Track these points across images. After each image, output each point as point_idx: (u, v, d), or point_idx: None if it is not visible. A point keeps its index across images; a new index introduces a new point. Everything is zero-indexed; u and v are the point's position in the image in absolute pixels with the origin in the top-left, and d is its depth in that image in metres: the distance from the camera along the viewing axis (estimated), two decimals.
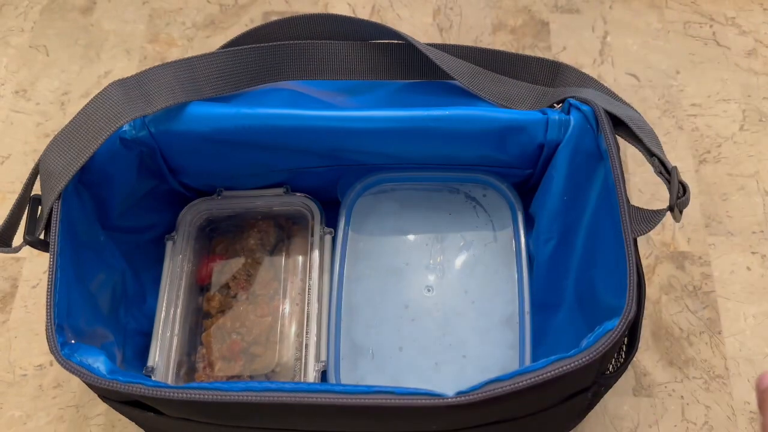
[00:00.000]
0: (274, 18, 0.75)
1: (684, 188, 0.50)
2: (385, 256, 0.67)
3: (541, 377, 0.44)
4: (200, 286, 0.65)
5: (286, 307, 0.63)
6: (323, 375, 0.62)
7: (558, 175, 0.59)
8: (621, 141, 0.55)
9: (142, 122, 0.58)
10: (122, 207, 0.62)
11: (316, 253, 0.65)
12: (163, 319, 0.62)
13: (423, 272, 0.66)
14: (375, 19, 0.87)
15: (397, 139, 0.59)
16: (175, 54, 0.85)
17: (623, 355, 0.52)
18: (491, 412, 0.48)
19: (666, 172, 0.51)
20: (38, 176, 0.53)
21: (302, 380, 0.60)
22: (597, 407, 0.66)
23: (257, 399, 0.44)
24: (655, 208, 0.51)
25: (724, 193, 0.77)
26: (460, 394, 0.44)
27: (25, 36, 0.86)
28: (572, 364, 0.44)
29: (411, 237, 0.67)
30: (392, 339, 0.64)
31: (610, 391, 0.57)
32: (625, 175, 0.53)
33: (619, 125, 0.55)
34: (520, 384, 0.44)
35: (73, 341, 0.49)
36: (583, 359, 0.44)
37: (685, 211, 0.52)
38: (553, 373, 0.44)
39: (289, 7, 0.88)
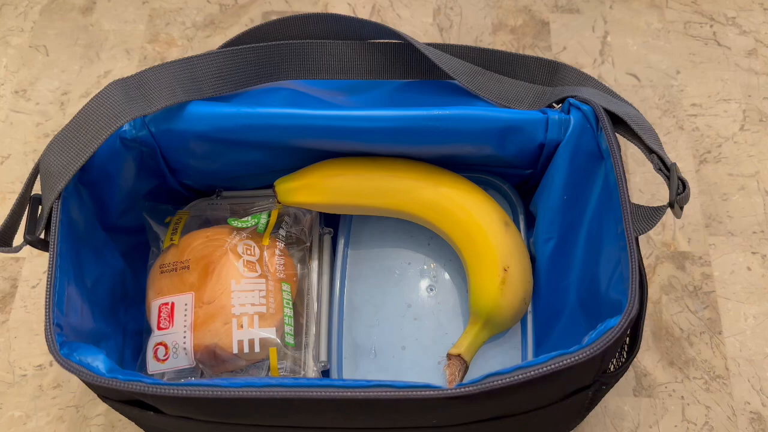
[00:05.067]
0: (273, 18, 0.75)
1: (684, 184, 0.50)
2: (387, 255, 0.67)
3: (541, 371, 0.44)
4: None
5: None
6: (326, 375, 0.62)
7: (558, 174, 0.59)
8: (621, 140, 0.55)
9: (142, 122, 0.58)
10: (122, 207, 0.62)
11: (315, 253, 0.65)
12: None
13: (425, 272, 0.66)
14: (375, 18, 0.87)
15: (396, 138, 0.59)
16: (174, 54, 0.85)
17: (624, 355, 0.52)
18: (491, 406, 0.48)
19: (665, 168, 0.51)
20: (38, 176, 0.53)
21: None
22: (597, 407, 0.66)
23: (258, 395, 0.44)
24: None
25: (724, 193, 0.77)
26: (459, 386, 0.44)
27: (25, 36, 0.86)
28: (572, 360, 0.44)
29: (412, 237, 0.67)
30: (394, 338, 0.64)
31: (611, 391, 0.57)
32: (625, 175, 0.53)
33: (619, 123, 0.55)
34: (520, 377, 0.44)
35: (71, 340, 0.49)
36: (584, 355, 0.44)
37: (685, 211, 0.52)
38: (553, 367, 0.44)
39: (289, 6, 0.88)
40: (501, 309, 0.59)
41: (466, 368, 0.59)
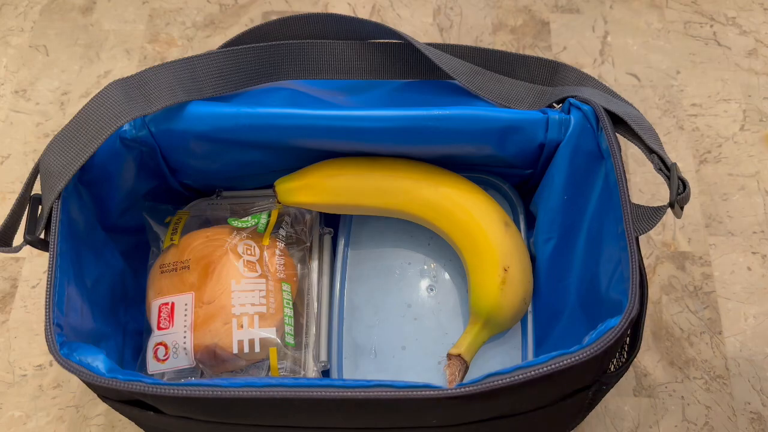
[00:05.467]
0: (273, 17, 0.75)
1: (684, 184, 0.50)
2: (387, 255, 0.67)
3: (540, 371, 0.44)
4: None
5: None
6: (326, 375, 0.62)
7: (558, 174, 0.59)
8: (621, 140, 0.55)
9: (142, 122, 0.58)
10: (122, 207, 0.62)
11: (315, 253, 0.65)
12: None
13: (425, 272, 0.66)
14: (375, 18, 0.87)
15: (396, 138, 0.59)
16: (174, 54, 0.85)
17: (625, 355, 0.52)
18: (491, 406, 0.48)
19: (665, 168, 0.51)
20: (38, 176, 0.53)
21: None
22: (597, 407, 0.66)
23: (257, 394, 0.44)
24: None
25: (724, 193, 0.77)
26: (459, 386, 0.44)
27: (25, 36, 0.86)
28: (573, 360, 0.44)
29: (412, 237, 0.67)
30: (395, 338, 0.64)
31: (611, 391, 0.57)
32: (626, 174, 0.53)
33: (619, 123, 0.55)
34: (520, 377, 0.44)
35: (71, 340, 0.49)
36: (584, 355, 0.44)
37: (685, 211, 0.52)
38: (553, 367, 0.44)
39: (289, 6, 0.88)
40: (501, 309, 0.59)
41: (467, 368, 0.59)
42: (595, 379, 0.49)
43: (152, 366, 0.57)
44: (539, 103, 0.60)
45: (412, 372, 0.62)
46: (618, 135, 0.55)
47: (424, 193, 0.62)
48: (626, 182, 0.52)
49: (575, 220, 0.58)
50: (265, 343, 0.57)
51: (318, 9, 0.88)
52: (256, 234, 0.62)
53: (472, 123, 0.57)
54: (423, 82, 0.63)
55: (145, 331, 0.61)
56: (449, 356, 0.59)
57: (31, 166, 0.78)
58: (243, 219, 0.62)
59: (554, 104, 0.60)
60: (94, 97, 0.54)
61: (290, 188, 0.63)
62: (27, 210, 0.52)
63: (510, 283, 0.59)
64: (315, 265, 0.64)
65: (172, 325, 0.58)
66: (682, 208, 0.51)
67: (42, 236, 0.51)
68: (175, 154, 0.62)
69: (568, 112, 0.57)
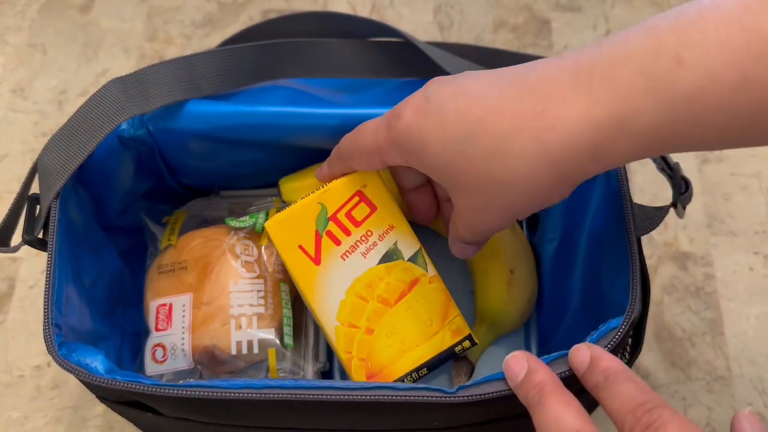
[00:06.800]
0: (273, 16, 0.74)
1: (686, 184, 0.50)
2: None
3: None
4: None
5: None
6: (326, 376, 0.61)
7: None
8: None
9: (140, 120, 0.57)
10: (120, 206, 0.61)
11: None
12: None
13: None
14: (375, 16, 0.87)
15: None
16: (173, 52, 0.85)
17: (627, 356, 0.52)
18: (493, 409, 0.47)
19: (668, 168, 0.51)
20: (36, 175, 0.53)
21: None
22: (599, 408, 0.66)
23: (257, 396, 0.44)
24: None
25: (726, 193, 0.76)
26: (462, 388, 0.44)
27: (23, 34, 0.86)
28: None
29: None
30: None
31: None
32: (628, 174, 0.53)
33: None
34: None
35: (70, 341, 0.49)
36: None
37: (687, 211, 0.52)
38: (555, 369, 0.44)
39: (288, 5, 0.88)
40: (507, 311, 0.59)
41: (472, 370, 0.59)
42: None
43: (150, 368, 0.57)
44: None
45: None
46: None
47: None
48: (628, 182, 0.52)
49: (577, 220, 0.58)
50: (263, 344, 0.57)
51: (317, 7, 0.88)
52: (254, 234, 0.62)
53: None
54: (423, 81, 0.63)
55: (143, 332, 0.60)
56: (454, 358, 0.58)
57: (29, 165, 0.77)
58: (240, 219, 0.62)
59: None
60: (92, 95, 0.54)
61: (296, 187, 0.62)
62: (25, 210, 0.52)
63: (516, 285, 0.59)
64: None
65: (170, 327, 0.57)
66: (684, 208, 0.50)
67: (40, 236, 0.51)
68: (173, 153, 0.61)
69: None
